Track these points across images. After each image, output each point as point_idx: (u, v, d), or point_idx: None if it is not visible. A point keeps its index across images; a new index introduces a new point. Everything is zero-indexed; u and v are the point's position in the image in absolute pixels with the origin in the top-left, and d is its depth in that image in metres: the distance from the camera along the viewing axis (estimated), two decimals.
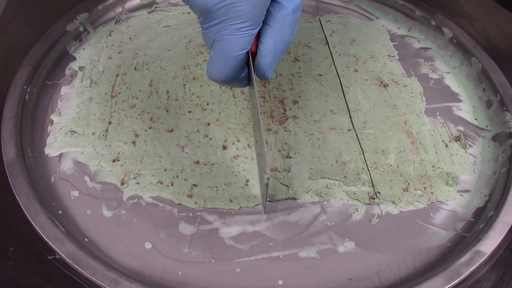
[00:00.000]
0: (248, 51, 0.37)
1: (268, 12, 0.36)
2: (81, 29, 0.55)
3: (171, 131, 0.47)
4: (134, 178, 0.44)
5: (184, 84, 0.52)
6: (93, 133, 0.47)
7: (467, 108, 0.53)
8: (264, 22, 0.36)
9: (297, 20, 0.37)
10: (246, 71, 0.39)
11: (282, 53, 0.38)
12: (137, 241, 0.40)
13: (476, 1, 0.66)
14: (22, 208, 0.39)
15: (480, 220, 0.43)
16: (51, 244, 0.37)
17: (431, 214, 0.44)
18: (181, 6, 0.62)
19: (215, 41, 0.36)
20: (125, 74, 0.53)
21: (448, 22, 0.60)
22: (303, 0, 0.63)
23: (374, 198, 0.44)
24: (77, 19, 0.55)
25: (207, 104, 0.50)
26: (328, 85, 0.53)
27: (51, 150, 0.45)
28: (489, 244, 0.40)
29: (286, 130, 0.48)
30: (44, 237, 0.38)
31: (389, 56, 0.58)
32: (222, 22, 0.34)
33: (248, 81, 0.40)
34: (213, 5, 0.34)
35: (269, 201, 0.43)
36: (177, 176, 0.44)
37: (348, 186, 0.45)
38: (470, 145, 0.49)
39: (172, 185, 0.43)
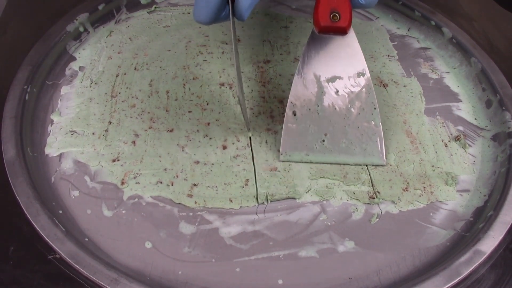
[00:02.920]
0: None
1: None
2: (81, 29, 0.56)
3: (171, 131, 0.48)
4: (134, 178, 0.44)
5: (184, 84, 0.52)
6: (93, 133, 0.47)
7: (466, 108, 0.53)
8: None
9: None
10: (227, 9, 0.42)
11: None
12: (137, 240, 0.40)
13: (476, 1, 0.66)
14: (22, 207, 0.39)
15: (479, 220, 0.43)
16: (51, 243, 0.37)
17: (431, 214, 0.44)
18: (181, 6, 0.62)
19: None
20: (125, 74, 0.53)
21: (448, 22, 0.60)
22: (303, 0, 0.64)
23: (373, 198, 0.44)
24: (77, 19, 0.55)
25: (207, 104, 0.50)
26: None
27: (51, 150, 0.45)
28: (488, 243, 0.40)
29: None
30: (44, 237, 0.38)
31: (388, 56, 0.58)
32: None
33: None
34: None
35: (270, 201, 0.43)
36: (177, 176, 0.44)
37: (348, 186, 0.45)
38: (469, 145, 0.49)
39: (172, 185, 0.44)
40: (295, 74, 0.45)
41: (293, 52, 0.57)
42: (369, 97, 0.45)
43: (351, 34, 0.44)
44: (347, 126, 0.45)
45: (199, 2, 0.41)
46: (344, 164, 0.45)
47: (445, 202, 0.45)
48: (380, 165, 0.46)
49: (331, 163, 0.46)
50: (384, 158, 0.46)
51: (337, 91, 0.45)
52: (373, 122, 0.45)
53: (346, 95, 0.45)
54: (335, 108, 0.45)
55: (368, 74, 0.45)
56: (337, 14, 0.42)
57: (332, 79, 0.45)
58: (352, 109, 0.45)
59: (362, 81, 0.45)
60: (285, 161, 0.45)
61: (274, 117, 0.49)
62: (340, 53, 0.45)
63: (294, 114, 0.45)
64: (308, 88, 0.45)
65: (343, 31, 0.43)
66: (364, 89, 0.45)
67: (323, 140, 0.45)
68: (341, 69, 0.45)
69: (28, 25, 0.56)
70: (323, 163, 0.45)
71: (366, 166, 0.46)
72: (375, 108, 0.45)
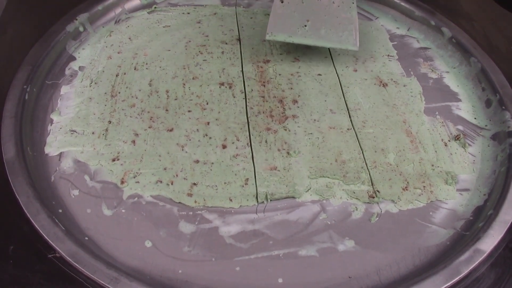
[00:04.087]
0: None
1: None
2: (81, 29, 0.56)
3: (171, 130, 0.48)
4: (134, 177, 0.44)
5: (184, 84, 0.52)
6: (93, 133, 0.47)
7: (466, 108, 0.53)
8: None
9: None
10: None
11: None
12: (137, 239, 0.40)
13: (475, 1, 0.66)
14: (22, 207, 0.39)
15: (479, 219, 0.43)
16: (51, 242, 0.37)
17: (431, 213, 0.44)
18: (181, 7, 0.62)
19: None
20: (124, 74, 0.53)
21: (448, 22, 0.60)
22: None
23: (373, 197, 0.44)
24: (77, 19, 0.55)
25: (207, 104, 0.50)
26: (328, 85, 0.53)
27: (51, 149, 0.45)
28: (488, 242, 0.40)
29: (285, 129, 0.48)
30: (44, 236, 0.38)
31: (388, 55, 0.58)
32: None
33: None
34: None
35: (270, 200, 0.43)
36: (176, 175, 0.44)
37: (348, 185, 0.45)
38: (469, 144, 0.49)
39: (172, 184, 0.44)
40: None
41: (292, 52, 0.57)
42: None
43: None
44: (327, 15, 0.52)
45: None
46: (321, 46, 0.53)
47: (445, 201, 0.45)
48: (353, 50, 0.53)
49: (310, 45, 0.53)
50: (357, 45, 0.52)
51: None
52: (350, 14, 0.51)
53: None
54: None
55: None
56: None
57: None
58: (333, 2, 0.51)
59: None
60: (269, 39, 0.52)
61: (274, 117, 0.49)
62: None
63: (282, 1, 0.51)
64: None
65: None
66: None
67: (305, 25, 0.51)
68: None
69: (28, 25, 0.56)
70: (302, 44, 0.52)
71: (366, 165, 0.46)
72: (353, 3, 0.51)
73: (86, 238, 0.39)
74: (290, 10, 0.51)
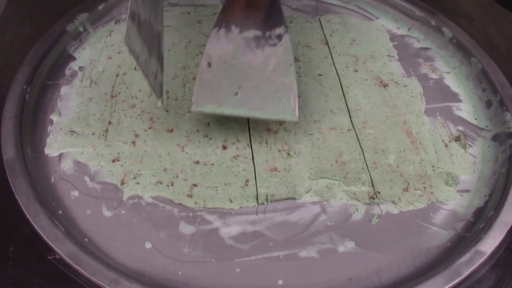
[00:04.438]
0: None
1: None
2: (81, 29, 0.55)
3: (171, 131, 0.47)
4: (134, 178, 0.44)
5: (184, 84, 0.52)
6: (93, 133, 0.47)
7: (467, 108, 0.53)
8: None
9: None
10: None
11: None
12: (137, 241, 0.40)
13: (476, 1, 0.66)
14: (22, 208, 0.39)
15: (480, 220, 0.43)
16: (51, 244, 0.37)
17: (431, 214, 0.44)
18: (181, 7, 0.62)
19: None
20: (125, 74, 0.53)
21: (448, 22, 0.60)
22: (302, 0, 0.64)
23: (374, 198, 0.44)
24: (77, 19, 0.55)
25: None
26: (328, 85, 0.53)
27: (51, 150, 0.45)
28: (489, 244, 0.40)
29: (286, 130, 0.48)
30: (44, 237, 0.38)
31: (389, 56, 0.58)
32: None
33: None
34: None
35: (270, 201, 0.43)
36: (177, 176, 0.44)
37: (348, 186, 0.45)
38: (470, 145, 0.49)
39: (172, 185, 0.43)
40: (213, 27, 0.45)
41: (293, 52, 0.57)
42: (285, 54, 0.44)
43: None
44: (261, 81, 0.44)
45: None
46: (256, 118, 0.45)
47: (445, 202, 0.45)
48: (293, 121, 0.46)
49: (243, 116, 0.45)
50: (297, 115, 0.44)
51: (254, 46, 0.45)
52: (288, 79, 0.44)
53: (263, 51, 0.45)
54: (251, 63, 0.44)
55: (287, 32, 0.45)
56: None
57: (251, 34, 0.45)
58: (268, 65, 0.44)
59: (280, 38, 0.45)
60: (196, 111, 0.44)
61: None
62: (261, 9, 0.45)
63: (209, 65, 0.44)
64: (226, 41, 0.45)
65: None
66: (281, 46, 0.45)
67: (237, 93, 0.44)
68: (260, 25, 0.45)
69: (28, 25, 0.56)
70: (234, 116, 0.45)
71: (366, 166, 0.46)
72: (291, 65, 0.44)
73: (86, 239, 0.39)
74: (219, 75, 0.44)
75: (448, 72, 0.57)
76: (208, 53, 0.44)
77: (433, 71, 0.57)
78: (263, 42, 0.45)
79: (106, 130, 0.47)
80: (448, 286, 0.37)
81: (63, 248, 0.37)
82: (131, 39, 0.37)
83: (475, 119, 0.52)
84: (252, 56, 0.45)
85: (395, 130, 0.50)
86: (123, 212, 0.42)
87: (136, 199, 0.42)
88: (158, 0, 0.43)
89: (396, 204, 0.44)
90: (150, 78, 0.40)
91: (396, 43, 0.60)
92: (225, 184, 0.44)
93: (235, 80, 0.44)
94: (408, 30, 0.62)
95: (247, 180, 0.44)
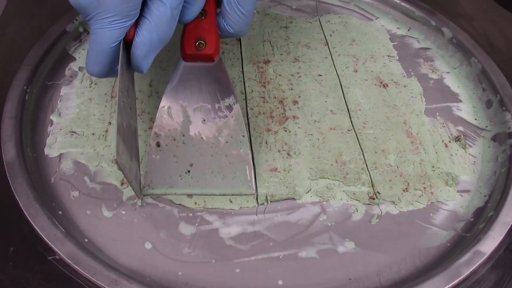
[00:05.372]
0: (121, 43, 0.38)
1: (147, 6, 0.38)
2: (81, 29, 0.55)
3: None
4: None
5: None
6: (93, 134, 0.47)
7: (467, 108, 0.53)
8: (142, 15, 0.38)
9: (177, 16, 0.38)
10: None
11: (159, 47, 0.39)
12: (137, 241, 0.40)
13: (476, 1, 0.66)
14: (22, 208, 0.39)
15: (480, 220, 0.43)
16: (51, 244, 0.37)
17: (431, 214, 0.44)
18: None
19: (90, 34, 0.38)
20: None
21: (448, 22, 0.60)
22: (302, 0, 0.64)
23: (374, 198, 0.44)
24: (77, 20, 0.55)
25: None
26: (328, 85, 0.53)
27: (51, 150, 0.45)
28: (489, 244, 0.40)
29: (285, 130, 0.48)
30: (44, 238, 0.38)
31: (388, 56, 0.58)
32: (94, 17, 0.37)
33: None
34: (84, 1, 0.36)
35: (270, 201, 0.43)
36: None
37: (348, 186, 0.45)
38: (470, 145, 0.49)
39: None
40: (159, 105, 0.43)
41: (293, 52, 0.57)
42: (237, 125, 0.43)
43: (220, 62, 0.43)
44: (214, 155, 0.43)
45: (91, 50, 0.38)
46: (211, 194, 0.43)
47: (445, 202, 0.45)
48: (250, 195, 0.43)
49: (197, 194, 0.43)
50: (254, 187, 0.43)
51: (204, 120, 0.43)
52: (241, 150, 0.43)
53: (214, 124, 0.43)
54: (202, 137, 0.43)
55: (237, 102, 0.43)
56: (202, 42, 0.41)
57: (199, 108, 0.43)
58: (220, 138, 0.43)
59: (230, 109, 0.43)
60: (148, 194, 0.42)
61: (274, 117, 0.49)
62: (208, 81, 0.43)
63: (158, 145, 0.43)
64: (173, 118, 0.43)
65: (209, 59, 0.42)
66: (232, 117, 0.43)
67: (189, 171, 0.43)
68: (208, 98, 0.43)
69: (28, 25, 0.56)
70: (187, 194, 0.43)
71: (366, 166, 0.46)
72: (243, 136, 0.43)
73: (86, 240, 0.39)
74: (168, 154, 0.43)
75: (448, 72, 0.57)
76: (156, 132, 0.43)
77: (433, 71, 0.57)
78: (213, 115, 0.43)
79: (106, 131, 0.47)
80: (448, 286, 0.37)
81: (63, 249, 0.37)
82: (119, 154, 0.36)
83: (475, 119, 0.52)
84: (202, 130, 0.43)
85: (395, 130, 0.50)
86: (123, 212, 0.42)
87: (136, 199, 0.42)
88: (131, 78, 0.42)
89: (396, 204, 0.44)
90: (133, 183, 0.39)
91: (396, 43, 0.60)
92: None
93: (186, 157, 0.43)
94: (408, 30, 0.62)
95: None
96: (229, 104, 0.43)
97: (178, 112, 0.43)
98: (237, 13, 0.41)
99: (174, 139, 0.43)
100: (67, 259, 0.36)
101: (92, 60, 0.39)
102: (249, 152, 0.43)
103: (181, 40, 0.42)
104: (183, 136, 0.43)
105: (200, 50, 0.41)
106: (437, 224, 0.43)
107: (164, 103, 0.43)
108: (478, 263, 0.38)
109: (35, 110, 0.48)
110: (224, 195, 0.43)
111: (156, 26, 0.37)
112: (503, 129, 0.49)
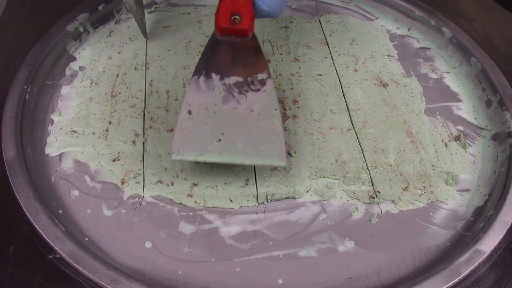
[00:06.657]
0: None
1: None
2: (81, 29, 0.56)
3: (171, 130, 0.48)
4: (134, 178, 0.44)
5: (184, 84, 0.52)
6: (93, 133, 0.47)
7: (466, 108, 0.53)
8: None
9: None
10: None
11: None
12: (137, 240, 0.40)
13: (476, 1, 0.66)
14: (22, 207, 0.39)
15: (479, 219, 0.43)
16: (51, 243, 0.37)
17: (431, 214, 0.44)
18: (181, 7, 0.62)
19: None
20: (125, 74, 0.53)
21: (448, 22, 0.60)
22: (302, 0, 0.64)
23: (374, 198, 0.44)
24: (77, 19, 0.55)
25: None
26: (328, 85, 0.53)
27: (51, 149, 0.45)
28: (488, 243, 0.40)
29: (286, 130, 0.48)
30: (45, 236, 0.38)
31: (388, 56, 0.58)
32: None
33: None
34: None
35: (270, 200, 0.43)
36: (177, 176, 0.44)
37: (348, 186, 0.45)
38: (469, 145, 0.49)
39: (172, 185, 0.44)
40: (192, 74, 0.43)
41: (293, 52, 0.57)
42: (269, 99, 0.43)
43: (254, 38, 0.45)
44: (246, 127, 0.43)
45: None
46: (240, 164, 0.43)
47: (445, 201, 0.45)
48: (280, 166, 0.44)
49: (226, 163, 0.43)
50: (285, 159, 0.42)
51: (236, 92, 0.43)
52: (273, 124, 0.43)
53: (246, 96, 0.43)
54: (234, 109, 0.43)
55: (270, 77, 0.44)
56: (237, 17, 0.43)
57: (232, 80, 0.44)
58: (252, 110, 0.43)
59: (263, 83, 0.44)
60: (177, 160, 0.42)
61: None
62: (242, 55, 0.44)
63: (190, 113, 0.42)
64: (206, 88, 0.43)
65: (244, 33, 0.44)
66: (265, 92, 0.43)
67: (219, 140, 0.42)
68: (241, 71, 0.44)
69: (28, 25, 0.56)
70: (217, 162, 0.42)
71: (366, 165, 0.46)
72: (275, 109, 0.43)
73: (86, 239, 0.39)
74: (200, 122, 0.42)
75: (448, 72, 0.57)
76: (188, 101, 0.43)
77: (433, 71, 0.57)
78: (246, 88, 0.44)
79: (107, 130, 0.47)
80: (447, 286, 0.37)
81: (63, 248, 0.37)
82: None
83: (475, 118, 0.52)
84: (234, 102, 0.43)
85: (395, 129, 0.50)
86: (123, 211, 0.42)
87: (136, 199, 0.43)
88: None
89: (396, 203, 0.44)
90: (139, 23, 0.53)
91: (396, 43, 0.60)
92: (225, 183, 0.44)
93: (218, 126, 0.42)
94: (408, 30, 0.62)
95: (247, 180, 0.44)
96: (262, 79, 0.44)
97: (210, 83, 0.44)
98: None
99: (206, 109, 0.43)
100: (67, 258, 0.36)
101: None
102: (281, 126, 0.43)
103: (216, 14, 0.43)
104: (215, 106, 0.43)
105: (235, 24, 0.43)
106: (437, 223, 0.43)
107: (197, 73, 0.44)
108: (477, 262, 0.38)
109: (35, 110, 0.48)
110: (254, 164, 0.44)
111: None
112: (502, 129, 0.49)
